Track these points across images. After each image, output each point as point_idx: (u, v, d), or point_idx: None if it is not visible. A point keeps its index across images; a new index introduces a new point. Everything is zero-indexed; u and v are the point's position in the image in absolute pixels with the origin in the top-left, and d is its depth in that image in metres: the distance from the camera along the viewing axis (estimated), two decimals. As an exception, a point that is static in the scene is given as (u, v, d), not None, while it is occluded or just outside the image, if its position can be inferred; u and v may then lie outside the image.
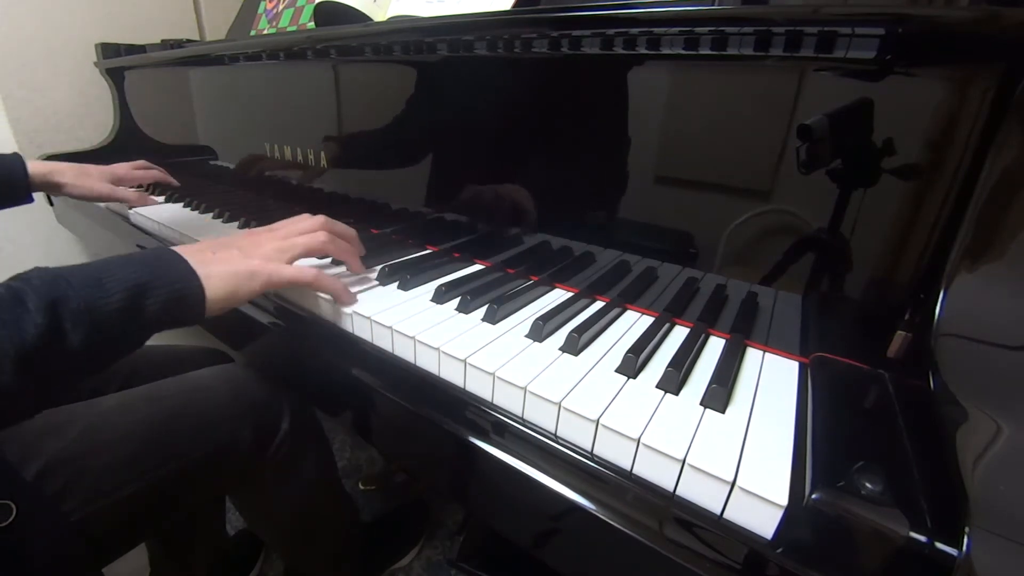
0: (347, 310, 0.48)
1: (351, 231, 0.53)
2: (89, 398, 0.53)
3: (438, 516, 1.03)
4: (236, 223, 0.76)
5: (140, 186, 0.92)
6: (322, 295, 0.50)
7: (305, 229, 0.50)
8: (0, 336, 0.31)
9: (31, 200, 0.74)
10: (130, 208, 0.85)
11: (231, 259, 0.44)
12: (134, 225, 0.83)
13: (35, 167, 0.72)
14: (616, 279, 0.51)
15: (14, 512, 0.42)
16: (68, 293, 0.34)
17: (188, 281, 0.40)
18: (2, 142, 1.10)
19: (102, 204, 0.92)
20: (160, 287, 0.38)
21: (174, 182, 0.91)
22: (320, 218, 0.51)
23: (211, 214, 0.81)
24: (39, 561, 0.43)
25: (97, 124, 1.22)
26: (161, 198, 0.92)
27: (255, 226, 0.71)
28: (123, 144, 1.20)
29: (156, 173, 0.91)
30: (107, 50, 1.14)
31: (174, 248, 0.43)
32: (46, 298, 0.33)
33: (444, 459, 0.42)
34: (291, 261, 0.47)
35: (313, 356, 0.51)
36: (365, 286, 0.53)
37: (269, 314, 0.55)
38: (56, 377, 0.34)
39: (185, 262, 0.41)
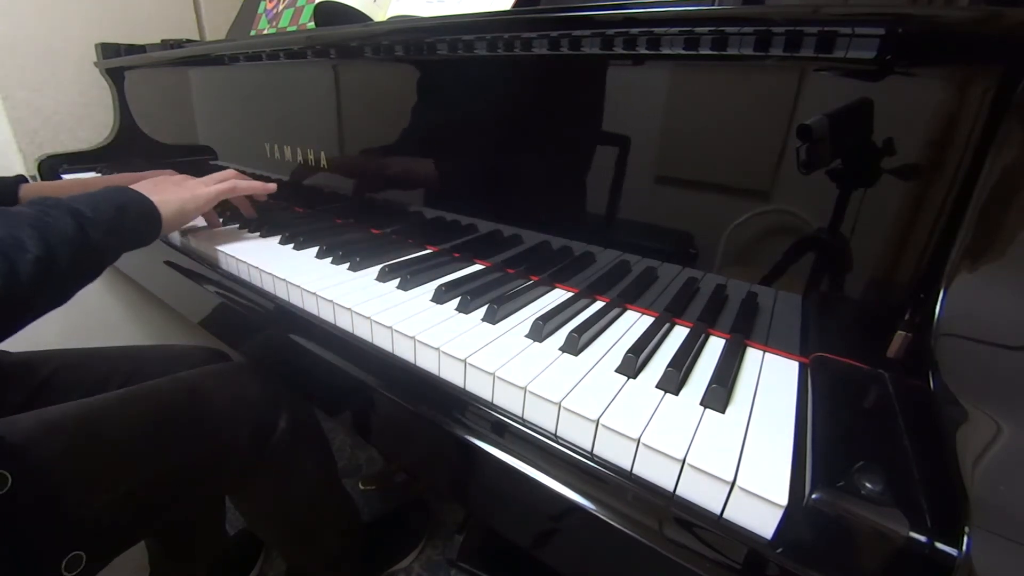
0: (349, 306, 0.48)
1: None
2: (88, 396, 0.53)
3: (438, 516, 1.03)
4: (236, 223, 0.76)
5: None
6: (322, 295, 0.50)
7: (218, 178, 0.68)
8: (51, 230, 0.43)
9: None
10: None
11: (171, 189, 0.61)
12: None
13: (26, 191, 0.71)
14: (616, 279, 0.51)
15: (9, 482, 0.42)
16: (80, 208, 0.47)
17: (148, 204, 0.56)
18: (2, 142, 1.10)
19: None
20: (132, 207, 0.54)
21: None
22: (228, 170, 0.70)
23: (220, 218, 0.81)
24: (38, 534, 0.43)
25: (97, 124, 1.22)
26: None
27: (267, 228, 0.71)
28: (123, 144, 1.20)
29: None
30: (107, 50, 1.14)
31: (130, 186, 0.58)
32: (67, 210, 0.46)
33: (444, 459, 0.42)
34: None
35: (312, 356, 0.51)
36: (364, 286, 0.53)
37: (268, 315, 0.55)
38: (85, 265, 0.47)
39: (141, 193, 0.56)
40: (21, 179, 0.72)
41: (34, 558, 0.43)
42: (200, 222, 0.76)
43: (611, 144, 0.49)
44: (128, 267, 0.97)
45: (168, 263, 0.73)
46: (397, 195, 0.68)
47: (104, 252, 0.49)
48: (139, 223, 0.54)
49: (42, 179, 1.11)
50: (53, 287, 0.44)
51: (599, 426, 0.33)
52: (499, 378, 0.37)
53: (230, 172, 0.70)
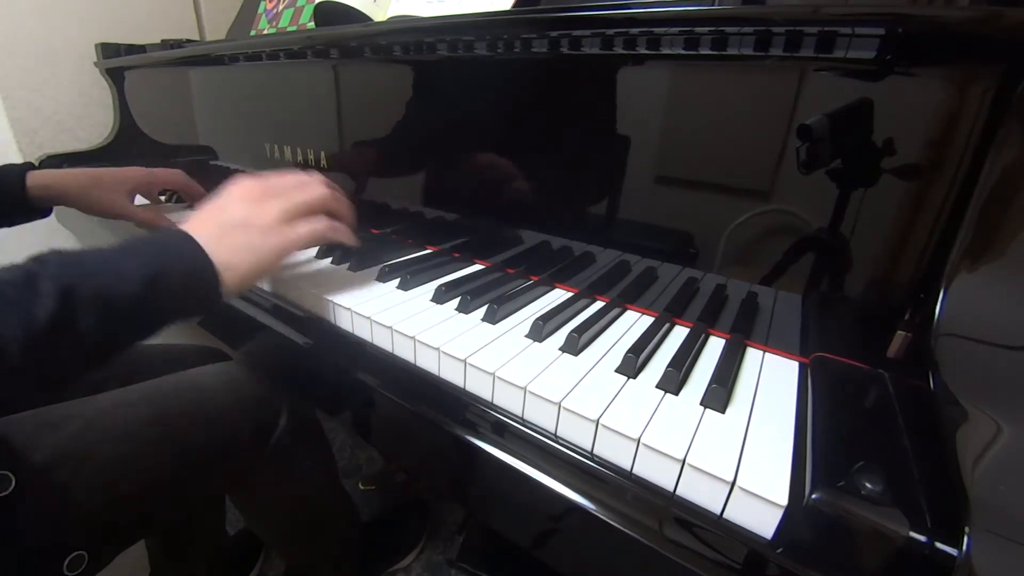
0: (349, 306, 0.48)
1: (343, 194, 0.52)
2: (88, 395, 0.53)
3: (438, 516, 1.03)
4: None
5: (164, 192, 0.81)
6: (321, 295, 0.50)
7: (303, 183, 0.48)
8: (9, 317, 0.31)
9: (45, 214, 0.68)
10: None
11: (241, 235, 0.43)
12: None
13: (33, 180, 0.65)
14: (616, 279, 0.51)
15: (13, 483, 0.42)
16: (82, 279, 0.34)
17: (202, 266, 0.40)
18: (2, 142, 1.10)
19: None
20: (175, 273, 0.38)
21: (199, 189, 0.80)
22: (316, 174, 0.50)
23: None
24: (39, 535, 0.43)
25: (97, 124, 1.22)
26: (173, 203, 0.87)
27: None
28: (123, 144, 1.20)
29: (179, 181, 0.79)
30: (107, 50, 1.14)
31: (183, 227, 0.42)
32: (60, 283, 0.33)
33: (444, 459, 0.42)
34: (297, 222, 0.46)
35: (312, 356, 0.51)
36: (364, 286, 0.53)
37: (268, 313, 0.55)
38: (63, 362, 0.35)
39: (198, 246, 0.40)
40: (29, 166, 0.66)
41: (37, 558, 0.43)
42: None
43: (611, 144, 0.49)
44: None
45: None
46: (397, 195, 0.68)
47: (106, 339, 0.36)
48: (182, 296, 0.39)
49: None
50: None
51: (599, 426, 0.33)
52: (499, 378, 0.37)
53: (317, 193, 0.48)
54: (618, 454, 0.33)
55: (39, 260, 0.34)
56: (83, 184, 0.68)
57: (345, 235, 0.50)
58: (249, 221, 0.44)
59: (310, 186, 0.48)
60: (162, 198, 0.88)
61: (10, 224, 0.67)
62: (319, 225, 0.47)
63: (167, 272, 0.38)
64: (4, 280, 0.32)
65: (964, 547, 0.22)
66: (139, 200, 0.84)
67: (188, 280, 0.39)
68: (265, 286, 0.58)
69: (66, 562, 0.45)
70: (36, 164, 0.67)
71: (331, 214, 0.49)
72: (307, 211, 0.47)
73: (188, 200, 0.79)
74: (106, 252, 0.37)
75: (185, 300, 0.39)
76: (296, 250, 0.46)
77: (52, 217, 1.15)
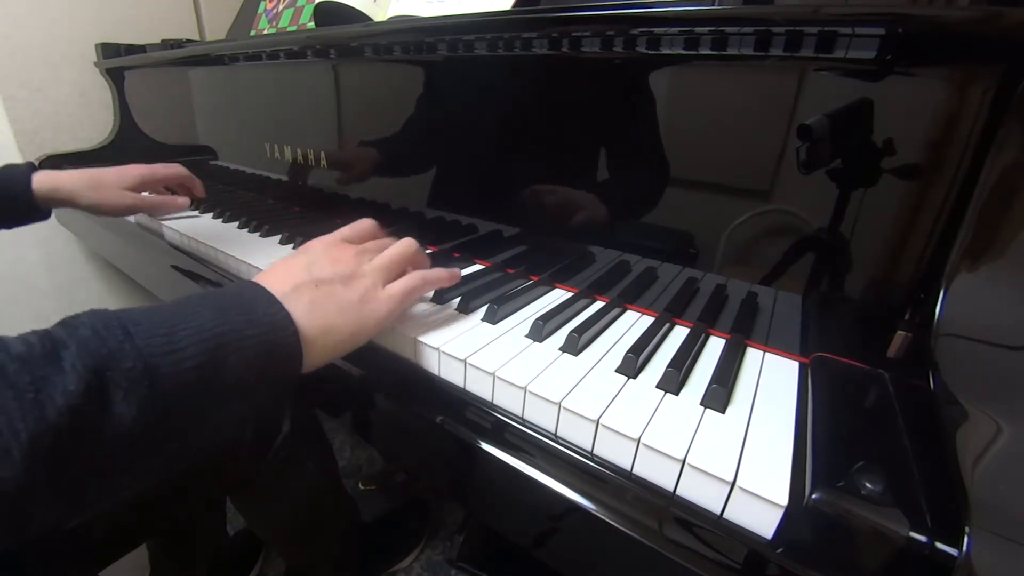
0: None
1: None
2: None
3: (438, 516, 1.03)
4: (236, 223, 0.76)
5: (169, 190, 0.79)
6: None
7: (389, 241, 0.43)
8: (11, 411, 0.21)
9: (46, 216, 0.66)
10: (159, 217, 0.76)
11: (337, 296, 0.34)
12: (160, 236, 0.82)
13: (40, 181, 0.63)
14: (616, 279, 0.51)
15: None
16: (123, 347, 0.24)
17: (284, 333, 0.30)
18: (2, 142, 1.10)
19: (132, 218, 0.85)
20: (247, 340, 0.28)
21: (185, 202, 0.76)
22: (407, 239, 0.44)
23: (219, 218, 0.81)
24: (35, 566, 0.43)
25: (97, 124, 1.22)
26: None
27: (267, 228, 0.70)
28: (123, 144, 1.20)
29: (182, 176, 0.76)
30: (107, 50, 1.14)
31: (260, 281, 0.33)
32: (91, 354, 0.23)
33: (444, 459, 0.42)
34: (390, 281, 0.40)
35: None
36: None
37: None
38: (88, 473, 0.24)
39: (275, 302, 0.31)
40: (31, 167, 0.65)
41: (30, 564, 0.43)
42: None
43: (611, 143, 0.49)
44: (131, 269, 0.97)
45: (175, 268, 0.73)
46: (397, 195, 0.68)
47: (149, 440, 0.25)
48: (254, 373, 0.29)
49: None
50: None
51: (599, 426, 0.33)
52: (499, 378, 0.37)
53: (412, 247, 0.43)
54: (618, 454, 0.33)
55: (69, 324, 0.25)
56: (89, 185, 0.66)
57: (442, 282, 0.44)
58: (345, 280, 0.36)
59: (391, 239, 0.43)
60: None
61: (12, 225, 0.66)
62: (415, 282, 0.40)
63: (237, 337, 0.28)
64: (13, 353, 0.23)
65: (964, 547, 0.22)
66: None
67: (263, 348, 0.29)
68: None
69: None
70: (36, 164, 0.65)
71: (416, 266, 0.44)
72: (400, 268, 0.41)
73: (178, 207, 0.75)
74: (159, 311, 0.27)
75: (258, 376, 0.29)
76: (397, 314, 0.39)
77: (53, 217, 1.15)
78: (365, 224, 0.44)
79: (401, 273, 0.41)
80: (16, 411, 0.21)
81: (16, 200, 0.63)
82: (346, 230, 0.43)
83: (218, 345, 0.27)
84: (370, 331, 0.36)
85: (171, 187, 0.79)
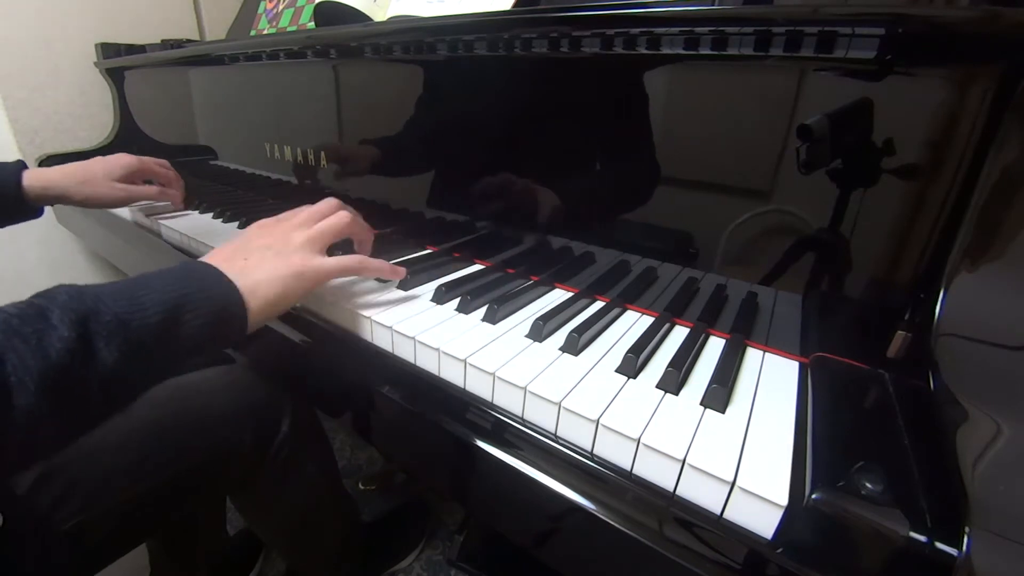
0: (349, 307, 0.48)
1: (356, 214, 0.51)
2: None
3: (438, 516, 1.03)
4: (236, 223, 0.76)
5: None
6: (323, 296, 0.50)
7: (326, 212, 0.47)
8: (22, 352, 0.26)
9: (38, 214, 0.66)
10: (153, 209, 0.76)
11: (268, 262, 0.41)
12: (159, 235, 0.82)
13: (30, 180, 0.63)
14: (616, 279, 0.51)
15: (1, 521, 0.40)
16: (99, 306, 0.30)
17: (228, 293, 0.37)
18: (2, 142, 1.10)
19: (128, 216, 0.86)
20: (200, 301, 0.35)
21: (178, 196, 0.78)
22: (333, 200, 0.49)
23: (220, 217, 0.81)
24: (35, 565, 0.43)
25: (97, 124, 1.22)
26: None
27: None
28: (123, 144, 1.20)
29: (170, 175, 0.77)
30: (107, 50, 1.14)
31: (203, 259, 0.40)
32: (75, 311, 0.29)
33: (444, 459, 0.42)
34: (323, 250, 0.45)
35: (312, 356, 0.51)
36: (364, 286, 0.53)
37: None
38: (82, 403, 0.30)
39: (220, 274, 0.38)
40: (21, 164, 0.64)
41: (23, 568, 0.42)
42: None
43: (611, 144, 0.49)
44: (125, 264, 0.97)
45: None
46: (397, 195, 0.68)
47: (128, 377, 0.32)
48: (208, 326, 0.35)
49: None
50: (6, 439, 0.27)
51: (599, 426, 0.33)
52: (499, 378, 0.37)
53: (344, 219, 0.48)
54: (618, 454, 0.33)
55: (44, 294, 0.30)
56: (78, 180, 0.66)
57: (379, 271, 0.49)
58: (272, 248, 0.42)
59: (329, 212, 0.47)
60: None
61: (4, 224, 0.65)
62: (350, 262, 0.46)
63: (190, 298, 0.34)
64: (10, 313, 0.28)
65: (964, 547, 0.22)
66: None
67: (212, 307, 0.36)
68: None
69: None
70: (26, 164, 0.63)
71: (353, 237, 0.50)
72: (331, 237, 0.46)
73: (170, 198, 0.76)
74: (119, 283, 0.33)
75: (210, 328, 0.36)
76: (324, 279, 0.44)
77: (52, 217, 1.16)
78: (321, 204, 0.49)
79: (338, 240, 0.47)
80: (27, 353, 0.27)
81: (6, 199, 0.62)
82: (288, 213, 0.48)
83: (175, 306, 0.34)
84: (297, 285, 0.42)
85: (155, 182, 0.78)
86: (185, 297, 0.34)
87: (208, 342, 0.36)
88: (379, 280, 0.54)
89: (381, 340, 0.46)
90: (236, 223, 0.76)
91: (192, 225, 0.76)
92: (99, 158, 0.69)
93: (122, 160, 0.70)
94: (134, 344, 0.31)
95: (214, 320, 0.36)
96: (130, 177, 0.71)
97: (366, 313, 0.46)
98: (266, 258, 0.41)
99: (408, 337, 0.43)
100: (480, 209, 0.59)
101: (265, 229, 0.45)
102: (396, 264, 0.55)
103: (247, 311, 0.38)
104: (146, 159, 0.74)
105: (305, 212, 0.47)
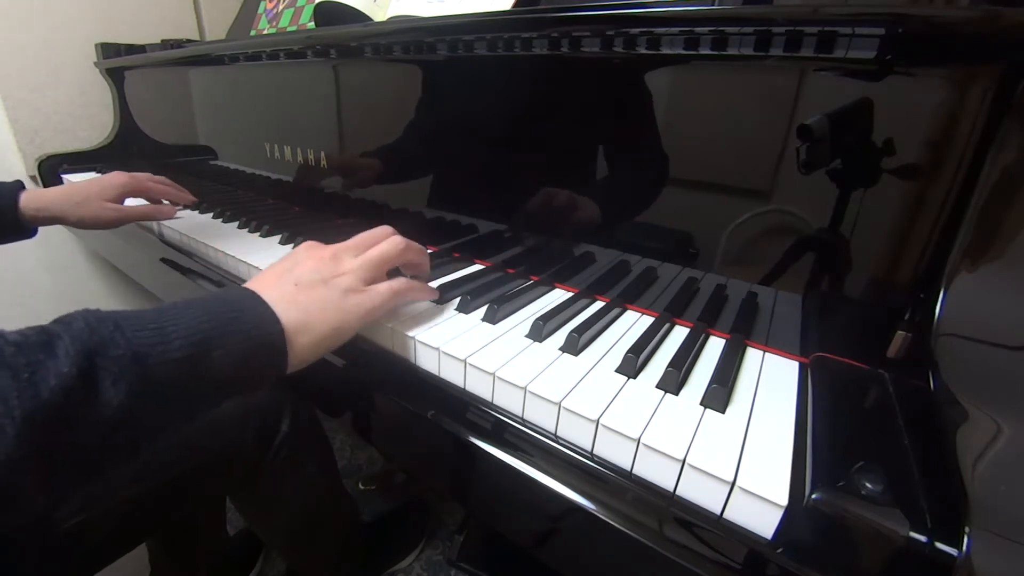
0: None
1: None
2: None
3: (438, 516, 1.03)
4: (236, 223, 0.76)
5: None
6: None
7: (380, 237, 0.43)
8: (5, 389, 0.22)
9: (32, 234, 0.66)
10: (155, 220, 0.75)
11: (318, 294, 0.36)
12: (160, 236, 0.82)
13: (27, 201, 0.63)
14: (616, 279, 0.51)
15: None
16: (115, 337, 0.26)
17: (269, 329, 0.32)
18: (2, 142, 1.10)
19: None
20: (235, 335, 0.30)
21: (189, 197, 0.78)
22: (386, 227, 0.45)
23: (219, 217, 0.81)
24: (36, 564, 0.43)
25: (97, 124, 1.22)
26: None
27: (267, 228, 0.70)
28: (123, 144, 1.20)
29: (167, 189, 0.75)
30: (107, 50, 1.14)
31: (249, 283, 0.36)
32: (83, 343, 0.25)
33: (444, 459, 0.42)
34: (376, 280, 0.41)
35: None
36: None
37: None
38: (77, 451, 0.25)
39: (261, 301, 0.33)
40: (19, 185, 0.64)
41: (23, 567, 0.42)
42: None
43: (611, 144, 0.49)
44: (124, 264, 0.97)
45: (164, 260, 0.73)
46: (397, 195, 0.68)
47: (136, 421, 0.27)
48: (240, 365, 0.31)
49: (42, 179, 1.11)
50: None
51: (599, 426, 0.33)
52: (499, 378, 0.37)
53: (397, 246, 0.43)
54: (618, 454, 0.33)
55: (63, 320, 0.27)
56: (74, 202, 0.65)
57: (426, 292, 0.46)
58: (326, 278, 0.37)
59: (382, 238, 0.43)
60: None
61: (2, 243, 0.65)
62: (400, 285, 0.42)
63: (223, 331, 0.30)
64: (10, 339, 0.24)
65: (964, 547, 0.22)
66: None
67: (248, 343, 0.31)
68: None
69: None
70: (24, 185, 0.64)
71: (408, 266, 0.46)
72: (386, 264, 0.42)
73: (164, 214, 0.74)
74: (151, 311, 0.29)
75: (242, 369, 0.31)
76: (379, 312, 0.40)
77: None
78: (374, 231, 0.44)
79: (388, 271, 0.43)
80: (11, 390, 0.22)
81: (3, 219, 0.62)
82: (353, 239, 0.43)
83: (205, 339, 0.29)
84: (352, 327, 0.38)
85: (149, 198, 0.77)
86: (216, 330, 0.30)
87: (238, 383, 0.32)
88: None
89: (381, 340, 0.46)
90: (236, 223, 0.76)
91: (194, 226, 0.76)
92: (96, 178, 0.69)
93: (116, 180, 0.69)
94: (149, 383, 0.27)
95: (248, 357, 0.31)
96: (122, 196, 0.70)
97: (366, 313, 0.46)
98: (315, 291, 0.36)
99: (408, 337, 0.43)
100: (479, 209, 0.59)
101: (314, 250, 0.41)
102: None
103: (289, 348, 0.33)
104: (139, 176, 0.73)
105: (358, 237, 0.43)
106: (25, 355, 0.24)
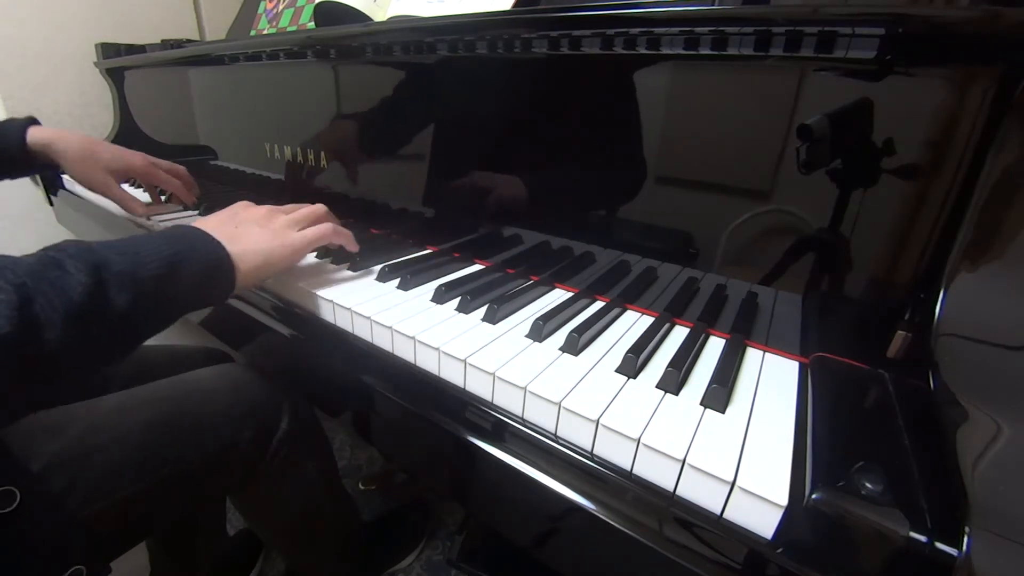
0: (349, 306, 0.48)
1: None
2: (89, 398, 0.53)
3: (438, 516, 1.03)
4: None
5: (165, 193, 0.83)
6: (321, 295, 0.50)
7: (304, 207, 0.53)
8: (48, 294, 0.30)
9: (30, 173, 0.68)
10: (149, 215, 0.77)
11: (253, 232, 0.46)
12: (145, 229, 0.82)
13: (36, 134, 0.65)
14: (616, 279, 0.51)
15: (17, 499, 0.41)
16: (108, 257, 0.34)
17: (218, 254, 0.42)
18: (2, 142, 1.10)
19: (118, 211, 0.86)
20: (194, 259, 0.40)
21: (190, 198, 0.81)
22: (317, 204, 0.55)
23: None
24: (40, 551, 0.43)
25: (97, 124, 1.22)
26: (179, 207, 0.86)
27: None
28: (123, 144, 1.20)
29: (176, 185, 0.78)
30: (107, 50, 1.14)
31: (195, 224, 0.44)
32: (87, 261, 0.33)
33: (444, 459, 0.42)
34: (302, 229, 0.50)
35: (313, 356, 0.51)
36: (365, 286, 0.53)
37: (269, 315, 0.55)
38: (100, 345, 0.34)
39: (211, 237, 0.42)
40: (32, 121, 0.66)
41: (36, 549, 0.43)
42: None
43: (611, 144, 0.49)
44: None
45: None
46: (397, 195, 0.68)
47: (137, 321, 0.36)
48: (202, 281, 0.41)
49: (43, 179, 1.11)
50: (36, 372, 0.31)
51: (599, 426, 0.33)
52: (499, 378, 0.37)
53: (321, 209, 0.54)
54: (618, 454, 0.33)
55: (55, 247, 0.34)
56: (79, 154, 0.69)
57: (347, 239, 0.55)
58: (257, 222, 0.48)
59: (306, 205, 0.54)
60: (163, 198, 0.87)
61: (6, 177, 0.67)
62: (323, 229, 0.51)
63: (185, 256, 0.39)
64: (27, 263, 0.31)
65: (964, 547, 0.22)
66: (143, 197, 0.85)
67: (205, 265, 0.40)
68: (265, 286, 0.58)
69: (68, 572, 0.44)
70: (38, 121, 0.66)
71: (337, 234, 0.54)
72: (310, 222, 0.52)
73: (187, 200, 0.79)
74: (119, 241, 0.37)
75: (204, 285, 0.41)
76: (304, 251, 0.49)
77: (52, 217, 1.16)
78: (310, 205, 0.54)
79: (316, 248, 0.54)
80: (54, 294, 0.31)
81: (9, 149, 0.65)
82: (286, 207, 0.54)
83: (173, 261, 0.38)
84: (281, 256, 0.47)
85: (161, 187, 0.81)
86: (180, 254, 0.39)
87: (203, 294, 0.41)
88: (379, 280, 0.54)
89: (381, 340, 0.46)
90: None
91: (173, 219, 0.76)
92: (116, 147, 0.72)
93: (132, 160, 0.73)
94: (141, 292, 0.35)
95: (207, 276, 0.41)
96: (126, 176, 0.74)
97: (366, 313, 0.46)
98: (251, 229, 0.47)
99: (408, 337, 0.43)
100: (480, 209, 0.59)
101: (250, 208, 0.51)
102: (395, 263, 0.56)
103: (236, 270, 0.43)
104: (162, 163, 0.76)
105: (290, 206, 0.54)
106: (50, 271, 0.31)
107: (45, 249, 0.34)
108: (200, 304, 0.42)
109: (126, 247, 0.36)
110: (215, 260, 0.41)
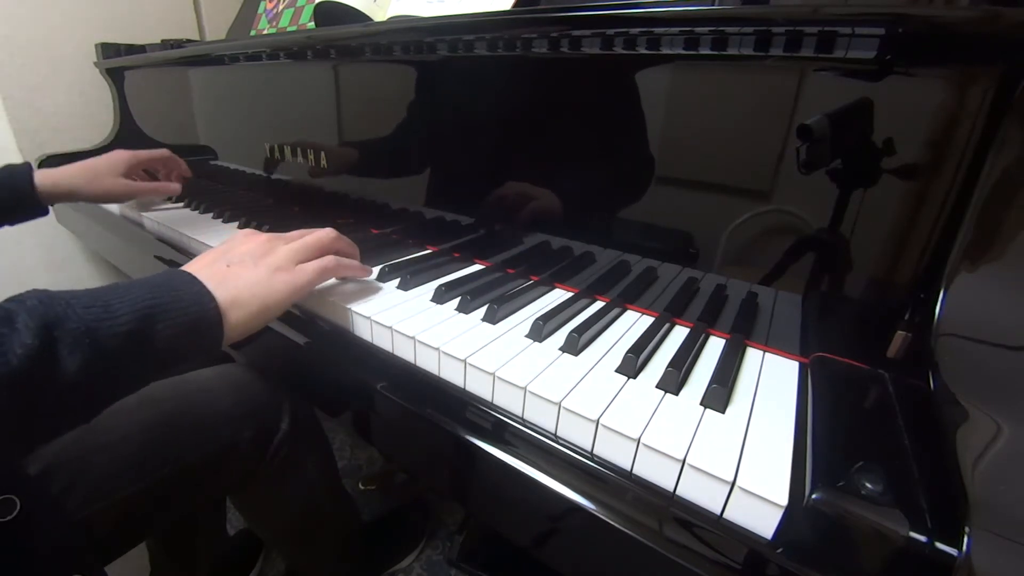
0: (348, 306, 0.48)
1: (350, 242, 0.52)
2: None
3: (438, 516, 1.03)
4: (236, 223, 0.76)
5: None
6: (331, 299, 0.50)
7: (306, 231, 0.48)
8: None
9: (46, 212, 0.70)
10: (145, 211, 0.79)
11: (249, 269, 0.40)
12: (149, 231, 0.82)
13: (42, 178, 0.67)
14: (616, 279, 0.51)
15: (18, 507, 0.40)
16: (68, 312, 0.30)
17: (203, 304, 0.36)
18: (2, 143, 1.10)
19: (116, 210, 0.89)
20: (172, 311, 0.34)
21: (177, 188, 0.82)
22: (327, 229, 0.49)
23: (219, 217, 0.81)
24: (42, 557, 0.43)
25: (97, 124, 1.22)
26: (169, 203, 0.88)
27: (267, 228, 0.70)
28: (123, 144, 1.20)
29: (168, 161, 0.82)
30: (107, 50, 1.14)
31: (187, 265, 0.40)
32: (41, 317, 0.29)
33: (444, 459, 0.42)
34: (306, 262, 0.45)
35: (312, 356, 0.51)
36: (364, 286, 0.53)
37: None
38: (42, 413, 0.30)
39: (198, 282, 0.37)
40: (29, 166, 0.68)
41: (37, 554, 0.43)
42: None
43: (611, 144, 0.49)
44: (121, 261, 0.97)
45: (158, 258, 0.73)
46: (397, 195, 0.68)
47: (95, 386, 0.31)
48: (181, 336, 0.35)
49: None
50: None
51: (599, 426, 0.33)
52: (499, 378, 0.37)
53: (328, 236, 0.48)
54: (618, 454, 0.33)
55: (16, 299, 0.30)
56: (86, 178, 0.70)
57: (355, 270, 0.50)
58: (256, 259, 0.42)
59: (313, 231, 0.48)
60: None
61: (16, 221, 0.68)
62: (328, 262, 0.46)
63: (163, 308, 0.34)
64: None
65: (964, 547, 0.22)
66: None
67: (187, 318, 0.35)
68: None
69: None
70: (32, 166, 0.69)
71: (338, 254, 0.49)
72: (315, 252, 0.46)
73: (170, 191, 0.80)
74: (95, 290, 0.33)
75: (183, 341, 0.35)
76: (306, 290, 0.44)
77: (52, 217, 1.15)
78: (312, 230, 0.48)
79: (327, 253, 0.47)
80: None
81: (22, 198, 0.66)
82: (290, 233, 0.48)
83: (148, 315, 0.33)
84: (280, 303, 0.41)
85: (154, 171, 0.84)
86: (157, 307, 0.33)
87: (181, 353, 0.35)
88: (379, 280, 0.54)
89: (381, 340, 0.46)
90: (236, 223, 0.76)
91: (192, 225, 0.76)
92: (97, 157, 0.74)
93: (122, 156, 0.75)
94: (100, 353, 0.30)
95: (189, 329, 0.35)
96: (129, 171, 0.75)
97: (366, 313, 0.46)
98: (246, 268, 0.41)
99: (408, 337, 0.43)
100: (480, 209, 0.59)
101: (249, 239, 0.45)
102: (395, 263, 0.56)
103: (224, 322, 0.37)
104: (139, 153, 0.78)
105: (295, 232, 0.48)
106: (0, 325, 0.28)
107: (6, 300, 0.30)
108: (182, 361, 0.36)
109: (97, 298, 0.32)
110: (197, 312, 0.35)
